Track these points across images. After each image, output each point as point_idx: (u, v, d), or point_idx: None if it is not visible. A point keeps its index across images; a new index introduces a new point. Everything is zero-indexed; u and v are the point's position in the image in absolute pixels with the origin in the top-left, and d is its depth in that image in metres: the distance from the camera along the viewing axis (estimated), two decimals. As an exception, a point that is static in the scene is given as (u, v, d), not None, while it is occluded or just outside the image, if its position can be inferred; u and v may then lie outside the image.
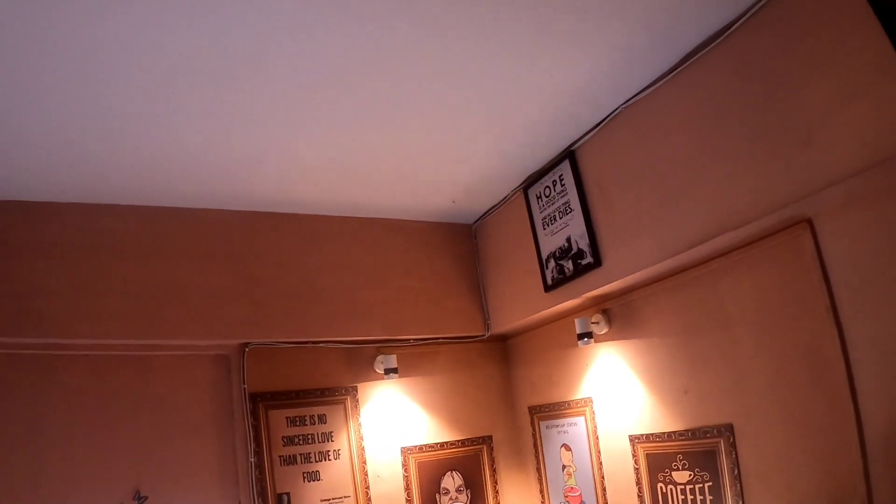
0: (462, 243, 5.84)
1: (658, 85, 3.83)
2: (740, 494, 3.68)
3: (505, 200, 5.37)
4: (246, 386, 4.85)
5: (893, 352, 2.96)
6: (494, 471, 5.65)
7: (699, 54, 3.55)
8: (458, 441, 5.57)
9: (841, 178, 2.88)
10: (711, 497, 3.86)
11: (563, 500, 5.23)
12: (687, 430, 4.04)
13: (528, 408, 5.67)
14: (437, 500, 5.37)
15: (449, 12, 3.06)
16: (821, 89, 2.94)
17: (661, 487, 4.21)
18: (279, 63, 3.30)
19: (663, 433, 4.21)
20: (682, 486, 4.05)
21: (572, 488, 5.11)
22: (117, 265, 4.46)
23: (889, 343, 2.98)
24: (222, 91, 3.48)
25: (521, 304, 5.22)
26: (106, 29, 2.86)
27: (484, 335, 5.71)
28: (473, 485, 5.53)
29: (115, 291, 4.42)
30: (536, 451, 5.56)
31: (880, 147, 2.71)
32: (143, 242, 4.59)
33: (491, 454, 5.66)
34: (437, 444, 5.48)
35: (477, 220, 5.82)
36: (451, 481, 5.46)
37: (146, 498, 4.45)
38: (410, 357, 5.50)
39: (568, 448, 5.17)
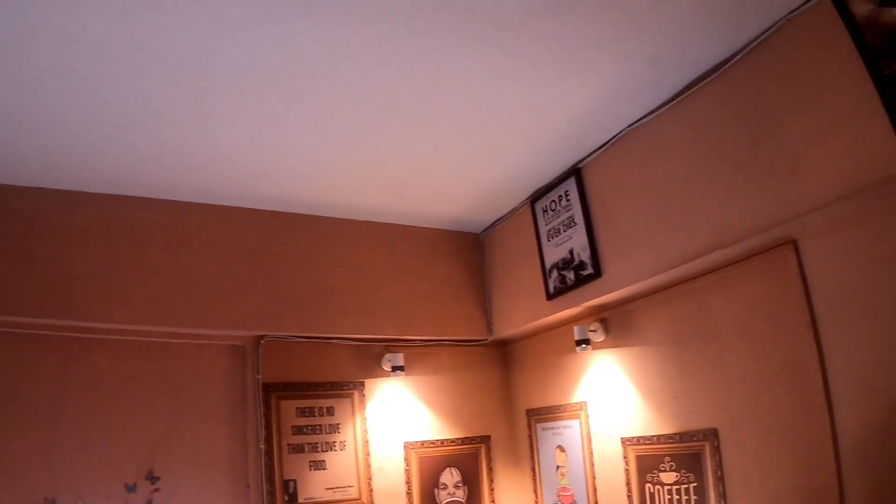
0: (469, 251, 6.05)
1: (660, 111, 4.08)
2: (723, 495, 3.89)
3: (513, 212, 5.59)
4: (260, 376, 5.03)
5: (866, 365, 3.19)
6: (491, 469, 5.83)
7: (698, 86, 3.81)
8: (458, 439, 5.76)
9: (823, 205, 3.13)
10: (696, 497, 4.06)
11: (555, 499, 5.41)
12: (675, 434, 4.26)
13: (526, 410, 5.86)
14: (436, 494, 5.54)
15: (473, 36, 3.29)
16: (807, 123, 3.20)
17: (650, 488, 4.41)
18: (307, 73, 3.51)
19: (653, 436, 4.42)
20: (669, 487, 4.26)
21: (565, 488, 5.30)
22: (143, 255, 4.64)
23: (862, 357, 3.21)
24: (253, 97, 3.69)
25: (523, 310, 5.42)
26: (144, 29, 3.04)
27: (486, 339, 5.92)
28: (471, 481, 5.71)
29: (141, 279, 4.59)
30: (532, 452, 5.74)
31: (858, 177, 2.97)
32: (168, 234, 4.77)
33: (489, 453, 5.85)
34: (437, 440, 5.67)
35: (485, 230, 6.04)
36: (450, 477, 5.64)
37: (159, 478, 4.60)
38: (416, 357, 5.69)
39: (562, 449, 5.36)
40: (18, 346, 4.41)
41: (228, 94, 3.66)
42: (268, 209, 5.19)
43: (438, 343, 5.82)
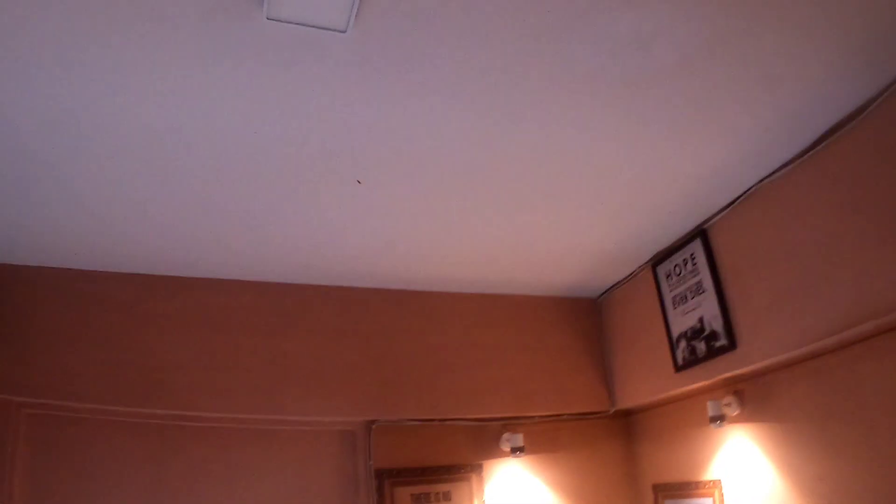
0: (586, 318, 5.85)
1: (794, 165, 3.79)
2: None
3: (632, 276, 5.38)
4: (372, 462, 4.90)
5: None
6: (620, 549, 5.56)
7: (835, 135, 3.50)
8: (583, 519, 5.50)
9: None
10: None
11: (689, 583, 5.08)
12: (824, 521, 3.88)
13: (653, 485, 5.54)
14: (562, 579, 5.30)
15: (586, 104, 3.16)
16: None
17: (796, 578, 4.05)
18: (412, 154, 3.45)
19: (798, 522, 4.06)
20: (818, 578, 3.89)
21: (700, 571, 4.97)
22: (243, 340, 4.64)
23: None
24: (360, 179, 3.65)
25: (649, 382, 5.17)
26: (237, 118, 3.07)
27: (608, 411, 5.68)
28: (599, 562, 5.45)
29: (240, 366, 4.58)
30: (662, 531, 5.43)
31: None
32: (267, 318, 4.77)
33: (616, 532, 5.58)
34: (562, 522, 5.43)
35: (602, 294, 5.83)
36: (577, 560, 5.38)
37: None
38: (534, 434, 5.46)
39: (695, 530, 5.04)
40: (118, 434, 4.43)
41: (333, 180, 3.65)
42: (371, 286, 5.13)
43: (558, 418, 5.59)
